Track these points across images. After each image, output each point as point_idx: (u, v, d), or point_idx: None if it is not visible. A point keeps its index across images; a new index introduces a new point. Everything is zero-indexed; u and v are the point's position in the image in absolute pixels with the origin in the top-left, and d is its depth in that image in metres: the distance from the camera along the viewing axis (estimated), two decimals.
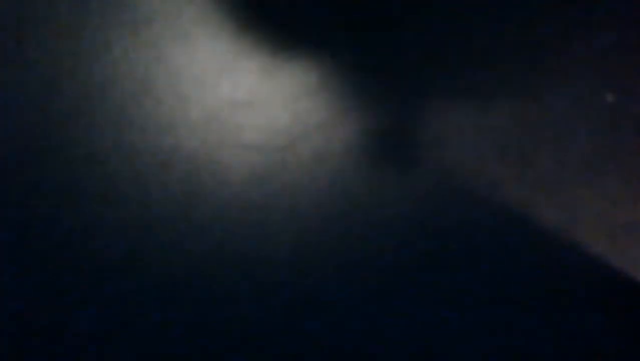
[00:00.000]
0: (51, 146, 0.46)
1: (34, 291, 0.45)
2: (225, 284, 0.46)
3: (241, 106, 0.47)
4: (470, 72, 0.45)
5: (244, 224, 0.47)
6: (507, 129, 0.49)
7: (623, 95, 0.50)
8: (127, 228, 0.46)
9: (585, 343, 0.48)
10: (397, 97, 0.42)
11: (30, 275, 0.45)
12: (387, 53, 0.45)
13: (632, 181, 0.49)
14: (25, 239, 0.46)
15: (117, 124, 0.46)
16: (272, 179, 0.47)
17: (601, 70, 0.50)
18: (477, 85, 0.43)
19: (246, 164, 0.47)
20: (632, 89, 0.50)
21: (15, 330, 0.45)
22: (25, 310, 0.45)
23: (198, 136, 0.47)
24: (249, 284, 0.46)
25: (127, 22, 0.47)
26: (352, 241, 0.47)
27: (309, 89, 0.42)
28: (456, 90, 0.43)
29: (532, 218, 0.48)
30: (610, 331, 0.48)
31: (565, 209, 0.49)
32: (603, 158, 0.49)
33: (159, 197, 0.46)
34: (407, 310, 0.47)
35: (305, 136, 0.47)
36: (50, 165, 0.46)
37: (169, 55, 0.47)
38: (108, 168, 0.46)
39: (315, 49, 0.44)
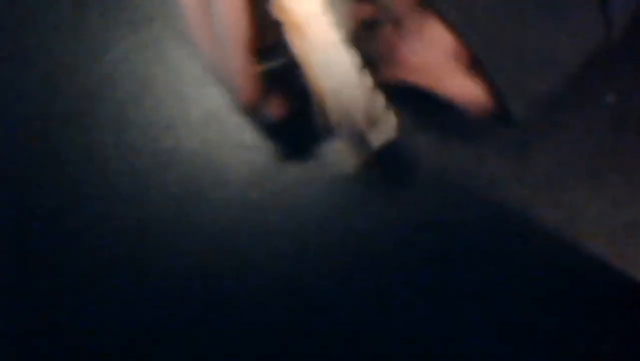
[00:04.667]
0: (51, 146, 0.46)
1: (34, 291, 0.45)
2: (225, 284, 0.46)
3: None
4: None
5: (244, 224, 0.47)
6: (507, 129, 0.49)
7: (623, 95, 0.50)
8: (127, 228, 0.46)
9: (585, 343, 0.48)
10: (397, 96, 0.42)
11: (30, 275, 0.45)
12: None
13: (632, 181, 0.49)
14: (25, 239, 0.46)
15: (117, 124, 0.46)
16: (272, 179, 0.47)
17: (601, 70, 0.50)
18: None
19: (246, 164, 0.47)
20: (632, 89, 0.50)
21: (15, 330, 0.45)
22: (25, 309, 0.45)
23: (198, 136, 0.47)
24: (249, 285, 0.46)
25: (127, 22, 0.47)
26: (352, 241, 0.47)
27: None
28: None
29: (532, 218, 0.48)
30: (610, 331, 0.48)
31: (565, 209, 0.49)
32: (603, 158, 0.49)
33: (159, 197, 0.46)
34: (407, 310, 0.47)
35: (306, 136, 0.47)
36: (50, 165, 0.46)
37: (169, 55, 0.47)
38: (108, 168, 0.46)
39: None
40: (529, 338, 0.47)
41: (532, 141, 0.49)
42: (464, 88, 0.41)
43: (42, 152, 0.46)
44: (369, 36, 0.39)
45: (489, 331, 0.47)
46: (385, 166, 0.48)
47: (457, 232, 0.48)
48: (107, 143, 0.46)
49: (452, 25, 0.38)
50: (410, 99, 0.44)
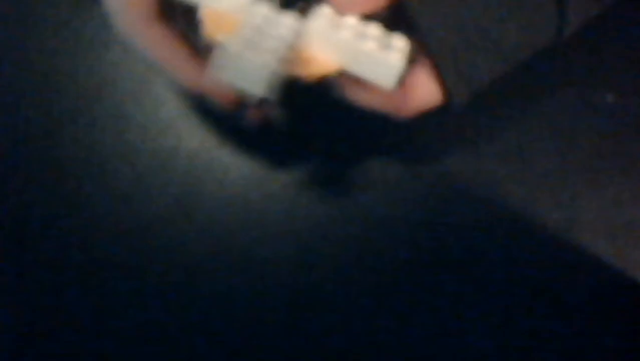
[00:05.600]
0: (51, 146, 0.46)
1: (34, 291, 0.45)
2: (225, 284, 0.46)
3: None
4: None
5: (244, 224, 0.47)
6: (507, 129, 0.49)
7: (623, 95, 0.50)
8: (127, 228, 0.46)
9: (585, 343, 0.48)
10: None
11: (30, 275, 0.45)
12: None
13: (632, 181, 0.49)
14: (25, 239, 0.46)
15: (117, 123, 0.46)
16: (272, 179, 0.47)
17: (601, 70, 0.50)
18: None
19: (246, 164, 0.47)
20: (632, 89, 0.50)
21: (15, 330, 0.45)
22: (25, 310, 0.45)
23: (198, 136, 0.47)
24: (249, 284, 0.46)
25: None
26: (352, 241, 0.47)
27: None
28: None
29: (532, 218, 0.48)
30: (610, 331, 0.48)
31: (565, 209, 0.49)
32: (603, 158, 0.49)
33: (159, 197, 0.46)
34: (406, 310, 0.47)
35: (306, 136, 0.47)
36: (50, 165, 0.46)
37: None
38: (108, 168, 0.46)
39: None
40: (528, 338, 0.47)
41: (532, 141, 0.49)
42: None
43: (42, 152, 0.46)
44: None
45: (488, 331, 0.47)
46: (385, 166, 0.48)
47: (457, 232, 0.48)
48: (107, 143, 0.46)
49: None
50: None
